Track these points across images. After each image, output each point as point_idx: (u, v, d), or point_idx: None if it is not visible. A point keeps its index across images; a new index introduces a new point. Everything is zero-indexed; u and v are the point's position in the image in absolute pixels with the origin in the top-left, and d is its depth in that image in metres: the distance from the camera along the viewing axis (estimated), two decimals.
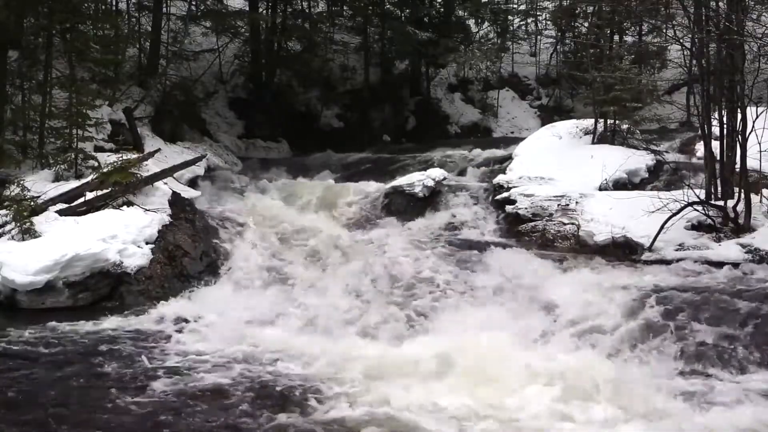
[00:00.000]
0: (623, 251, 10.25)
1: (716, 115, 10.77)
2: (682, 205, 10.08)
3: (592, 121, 14.37)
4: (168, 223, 10.21)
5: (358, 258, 10.24)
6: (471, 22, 24.83)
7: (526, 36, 26.08)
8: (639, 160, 12.79)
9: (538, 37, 25.99)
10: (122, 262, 9.07)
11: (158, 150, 13.89)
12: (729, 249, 9.63)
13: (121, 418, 5.75)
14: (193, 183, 14.01)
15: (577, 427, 5.71)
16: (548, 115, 22.25)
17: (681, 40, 11.59)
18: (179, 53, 18.74)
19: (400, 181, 13.49)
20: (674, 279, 8.88)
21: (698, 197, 10.29)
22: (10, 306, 8.47)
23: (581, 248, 10.62)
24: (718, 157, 10.72)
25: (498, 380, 6.44)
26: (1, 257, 8.67)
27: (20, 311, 8.40)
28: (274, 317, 8.35)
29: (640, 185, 12.54)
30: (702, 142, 11.35)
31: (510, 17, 25.34)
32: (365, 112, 21.79)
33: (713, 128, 10.81)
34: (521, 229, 11.55)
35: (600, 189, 12.05)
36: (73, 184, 10.78)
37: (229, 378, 6.55)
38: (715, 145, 10.76)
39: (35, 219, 9.48)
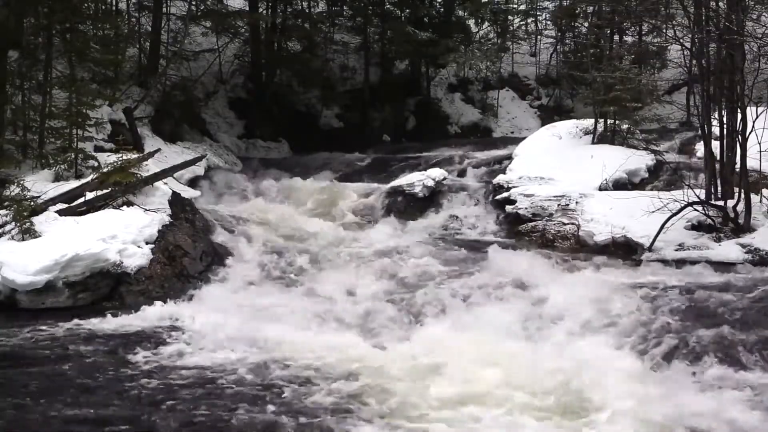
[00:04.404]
0: (623, 251, 10.27)
1: (716, 115, 10.78)
2: (682, 205, 10.09)
3: (592, 121, 14.38)
4: (168, 223, 10.19)
5: (358, 258, 10.24)
6: (471, 22, 24.84)
7: (526, 36, 26.08)
8: (639, 160, 12.80)
9: (538, 37, 26.00)
10: (122, 262, 9.06)
11: (158, 150, 13.89)
12: (729, 249, 9.64)
13: (118, 418, 5.75)
14: (193, 183, 14.02)
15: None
16: (548, 115, 22.26)
17: (681, 40, 11.59)
18: (179, 53, 18.73)
19: (400, 181, 13.51)
20: (674, 279, 8.89)
21: (698, 197, 10.29)
22: (10, 306, 8.45)
23: (581, 248, 10.63)
24: (718, 157, 10.73)
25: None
26: (1, 257, 8.65)
27: (20, 311, 8.38)
28: (274, 317, 8.33)
29: (640, 185, 12.55)
30: (702, 142, 11.37)
31: (510, 17, 25.36)
32: (365, 112, 21.79)
33: (713, 128, 10.81)
34: (521, 229, 11.56)
35: (600, 189, 12.07)
36: (73, 184, 10.77)
37: (229, 378, 6.54)
38: (715, 145, 10.77)
39: (35, 219, 9.47)
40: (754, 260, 9.37)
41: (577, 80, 19.23)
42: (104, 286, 8.93)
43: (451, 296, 8.87)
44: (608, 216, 10.87)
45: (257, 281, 9.67)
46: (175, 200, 11.02)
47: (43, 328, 7.75)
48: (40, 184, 10.57)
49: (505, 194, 12.35)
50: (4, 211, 9.62)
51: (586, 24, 22.29)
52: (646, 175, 12.81)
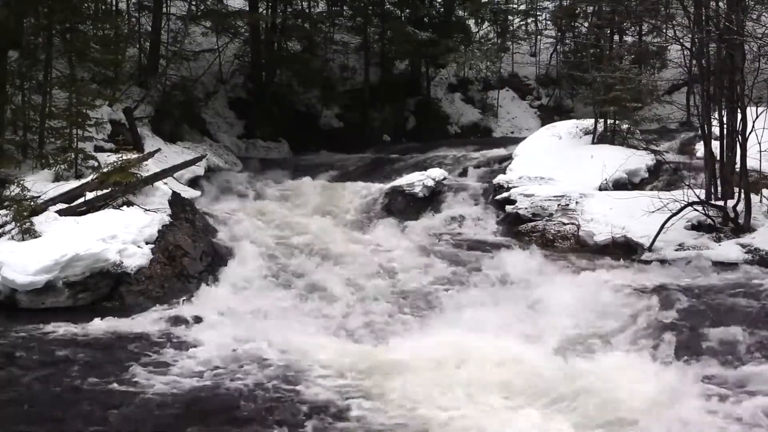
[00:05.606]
0: (623, 251, 10.26)
1: (716, 115, 10.78)
2: (682, 205, 10.09)
3: (592, 121, 14.38)
4: (168, 223, 10.19)
5: (358, 258, 10.24)
6: (471, 22, 24.86)
7: (526, 36, 26.10)
8: (639, 160, 12.81)
9: (538, 37, 26.02)
10: (122, 262, 9.04)
11: (158, 150, 13.89)
12: (729, 249, 9.64)
13: (118, 419, 5.75)
14: (193, 183, 14.01)
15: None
16: (548, 115, 22.27)
17: (681, 40, 11.60)
18: (179, 53, 18.73)
19: (400, 181, 13.50)
20: (674, 279, 8.89)
21: (698, 197, 10.30)
22: (10, 306, 8.45)
23: (581, 248, 10.63)
24: (718, 157, 10.73)
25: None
26: (1, 257, 8.65)
27: (20, 311, 8.37)
28: (275, 318, 8.33)
29: (640, 185, 12.55)
30: (702, 142, 11.37)
31: (510, 17, 25.39)
32: (365, 112, 21.80)
33: (713, 128, 10.82)
34: (521, 229, 11.56)
35: (600, 189, 12.07)
36: (73, 184, 10.77)
37: (229, 379, 6.54)
38: (715, 145, 10.77)
39: (35, 219, 9.46)
40: (754, 260, 9.37)
41: (577, 80, 19.25)
42: (104, 286, 8.93)
43: (450, 297, 8.87)
44: (608, 216, 10.88)
45: (257, 281, 9.65)
46: (175, 200, 11.02)
47: (43, 328, 7.73)
48: (40, 184, 10.56)
49: (505, 194, 12.35)
50: (4, 211, 9.62)
51: (586, 24, 22.30)
52: (646, 175, 12.81)
